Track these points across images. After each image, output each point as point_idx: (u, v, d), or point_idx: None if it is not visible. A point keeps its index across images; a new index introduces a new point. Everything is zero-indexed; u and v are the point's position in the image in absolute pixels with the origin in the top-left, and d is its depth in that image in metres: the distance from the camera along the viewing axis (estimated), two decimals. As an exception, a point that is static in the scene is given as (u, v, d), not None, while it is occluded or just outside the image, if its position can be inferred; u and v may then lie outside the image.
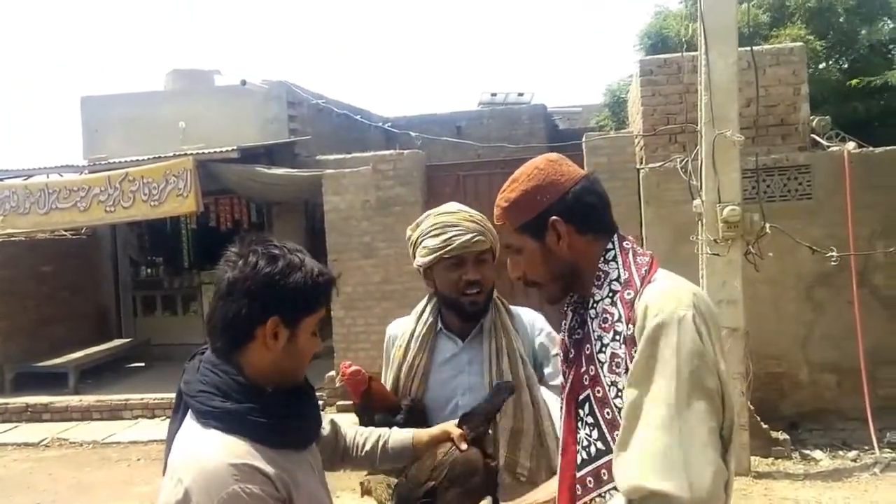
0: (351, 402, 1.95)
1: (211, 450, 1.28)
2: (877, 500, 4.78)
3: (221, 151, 8.00)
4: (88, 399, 8.08)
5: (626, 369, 1.32)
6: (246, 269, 1.36)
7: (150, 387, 8.35)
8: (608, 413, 1.35)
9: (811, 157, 6.33)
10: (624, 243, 1.44)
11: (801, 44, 7.00)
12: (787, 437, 5.64)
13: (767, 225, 5.05)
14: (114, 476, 6.12)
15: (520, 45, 52.90)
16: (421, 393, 2.01)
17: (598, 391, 1.37)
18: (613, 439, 1.34)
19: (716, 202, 5.00)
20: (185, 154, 8.04)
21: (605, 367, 1.36)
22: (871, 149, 6.26)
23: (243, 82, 9.34)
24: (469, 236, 1.95)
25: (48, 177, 8.90)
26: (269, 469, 1.29)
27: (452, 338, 2.06)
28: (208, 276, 9.86)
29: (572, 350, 1.49)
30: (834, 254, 5.28)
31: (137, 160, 8.29)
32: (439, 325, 2.07)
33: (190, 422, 1.35)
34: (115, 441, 7.10)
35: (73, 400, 8.08)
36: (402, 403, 1.96)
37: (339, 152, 8.48)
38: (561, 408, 1.52)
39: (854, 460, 5.44)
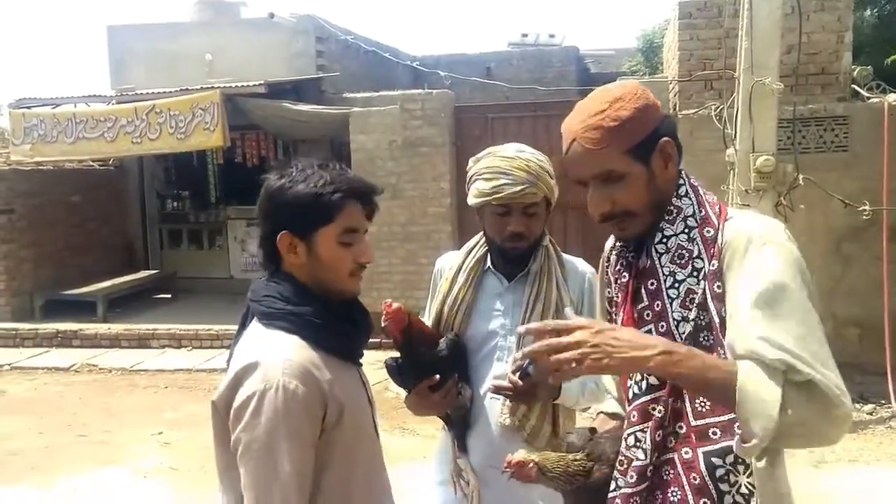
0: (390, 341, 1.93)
1: (271, 345, 1.36)
2: (892, 452, 4.81)
3: (249, 85, 7.92)
4: (117, 327, 8.28)
5: (702, 305, 1.32)
6: (262, 192, 1.44)
7: (176, 318, 8.53)
8: None
9: (850, 109, 6.16)
10: (692, 180, 1.44)
11: (847, -11, 6.71)
12: (804, 389, 5.64)
13: (801, 176, 4.95)
14: (142, 401, 6.32)
15: (552, -16, 51.34)
16: (463, 328, 2.00)
17: (662, 326, 1.36)
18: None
19: (749, 151, 4.89)
20: (213, 87, 7.96)
21: (677, 302, 1.35)
22: (912, 101, 6.06)
23: (271, 15, 9.19)
24: (519, 188, 1.88)
25: (76, 106, 8.90)
26: (321, 375, 1.35)
27: (499, 277, 2.04)
28: (234, 212, 9.94)
29: (619, 294, 1.48)
30: (867, 208, 5.19)
31: (164, 92, 8.24)
32: (488, 262, 2.05)
33: (255, 324, 1.43)
34: (143, 369, 7.29)
35: (101, 328, 8.28)
36: (445, 337, 1.95)
37: (367, 90, 8.38)
38: None
39: (870, 413, 5.45)
